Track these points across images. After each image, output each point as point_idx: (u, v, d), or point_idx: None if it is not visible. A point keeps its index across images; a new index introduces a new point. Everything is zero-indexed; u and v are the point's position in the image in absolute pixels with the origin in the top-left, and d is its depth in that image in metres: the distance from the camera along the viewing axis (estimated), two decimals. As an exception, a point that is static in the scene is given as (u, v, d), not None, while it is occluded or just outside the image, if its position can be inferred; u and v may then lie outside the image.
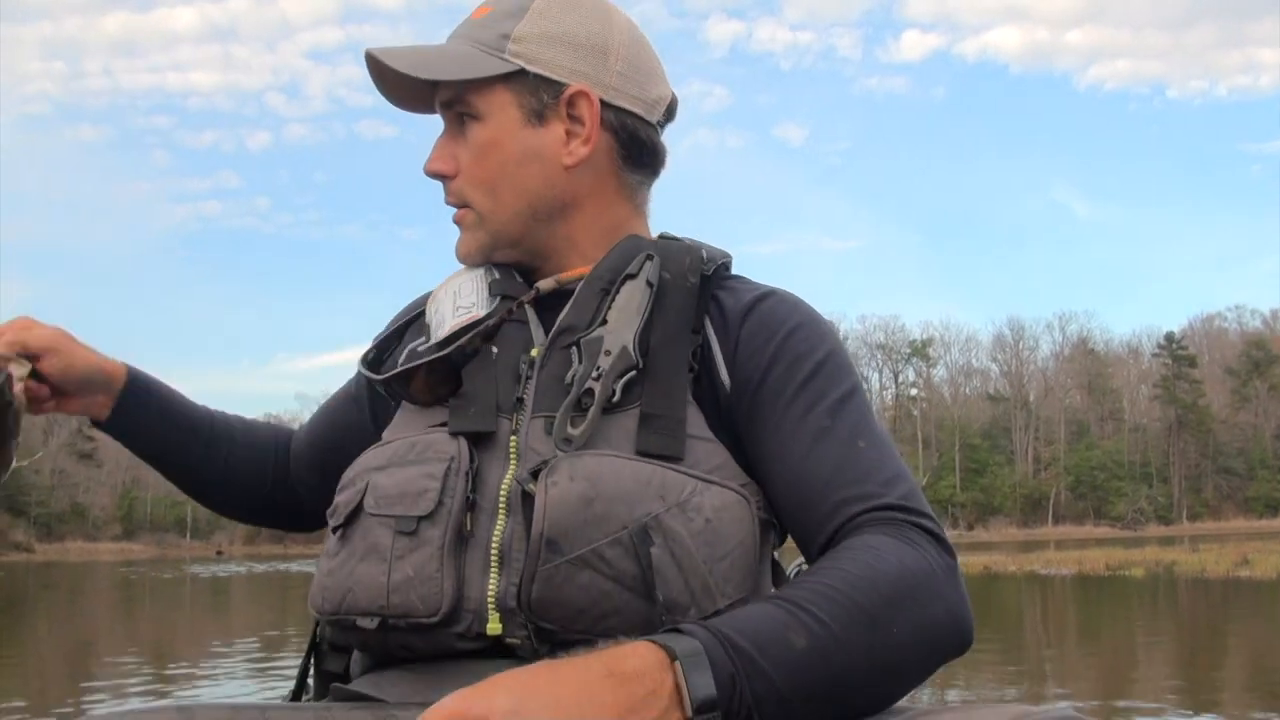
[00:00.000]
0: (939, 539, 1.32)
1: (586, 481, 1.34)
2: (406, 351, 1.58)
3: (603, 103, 1.54)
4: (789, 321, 1.50)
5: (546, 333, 1.49)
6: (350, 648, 1.51)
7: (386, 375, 1.51)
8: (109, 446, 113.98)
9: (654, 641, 1.12)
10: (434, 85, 1.56)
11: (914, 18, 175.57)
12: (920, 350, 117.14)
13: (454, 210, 1.60)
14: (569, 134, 1.55)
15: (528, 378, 1.47)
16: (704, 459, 1.40)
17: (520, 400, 1.45)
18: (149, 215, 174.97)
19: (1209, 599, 23.18)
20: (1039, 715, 1.07)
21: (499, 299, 1.54)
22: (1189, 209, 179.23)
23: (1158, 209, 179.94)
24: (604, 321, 1.46)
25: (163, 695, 11.56)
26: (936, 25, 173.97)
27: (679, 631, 1.14)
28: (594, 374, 1.41)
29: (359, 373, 1.67)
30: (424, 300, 1.68)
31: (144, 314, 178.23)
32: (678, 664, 1.09)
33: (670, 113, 1.64)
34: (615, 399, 1.41)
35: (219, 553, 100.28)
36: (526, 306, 1.53)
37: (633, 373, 1.42)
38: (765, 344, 1.48)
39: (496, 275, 1.58)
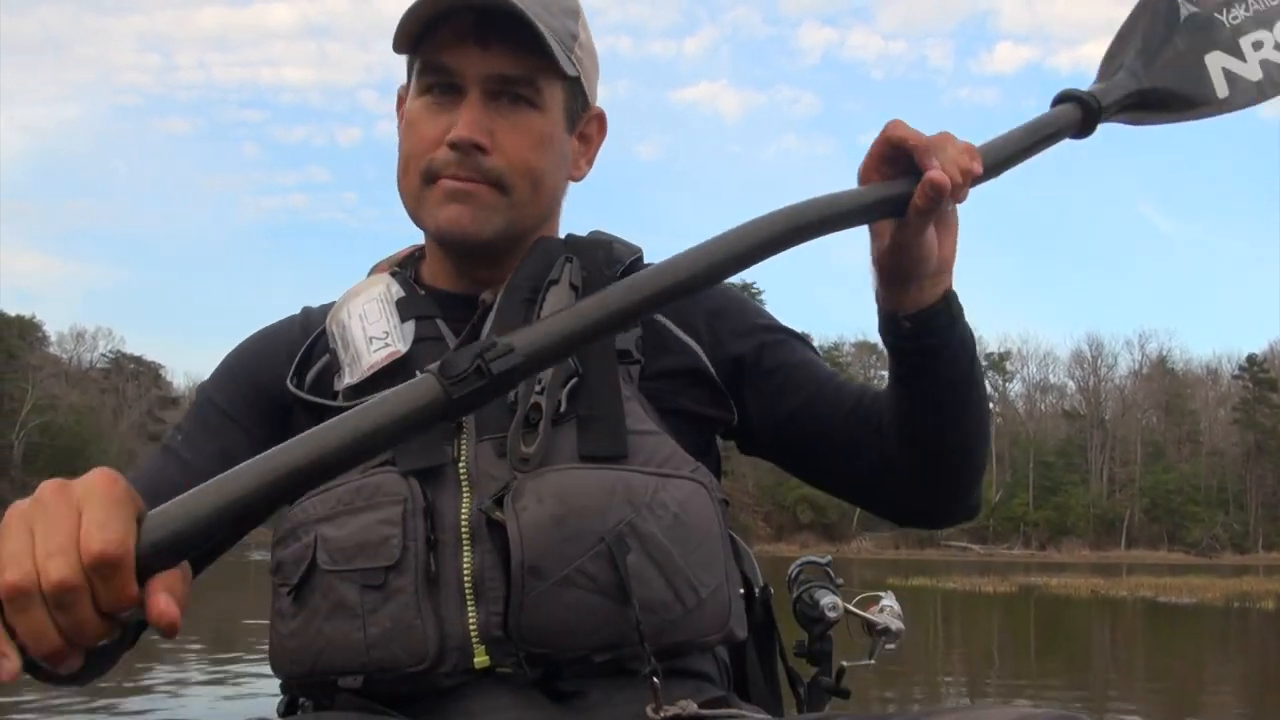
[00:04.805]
0: None
1: (555, 500, 1.36)
2: (315, 378, 1.58)
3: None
4: (739, 294, 1.68)
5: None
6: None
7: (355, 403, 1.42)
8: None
9: None
10: (509, 49, 1.49)
11: (1008, 29, 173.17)
12: (997, 364, 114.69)
13: (456, 180, 1.50)
14: (576, 150, 1.61)
15: None
16: (653, 453, 1.44)
17: (460, 425, 1.45)
18: (236, 206, 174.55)
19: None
20: (1041, 716, 1.10)
21: (412, 321, 1.52)
22: (1275, 229, 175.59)
23: (1244, 228, 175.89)
24: None
25: (219, 680, 11.82)
26: (1030, 37, 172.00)
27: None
28: (536, 388, 1.42)
29: (222, 398, 1.62)
30: (313, 316, 1.64)
31: (227, 301, 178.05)
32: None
33: None
34: (561, 410, 1.43)
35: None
36: (439, 321, 1.53)
37: (575, 380, 1.45)
38: (740, 315, 1.63)
39: (402, 293, 1.53)
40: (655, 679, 1.33)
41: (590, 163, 1.63)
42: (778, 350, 1.61)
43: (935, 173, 1.23)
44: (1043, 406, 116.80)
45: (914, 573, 45.85)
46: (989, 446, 1.56)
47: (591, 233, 1.67)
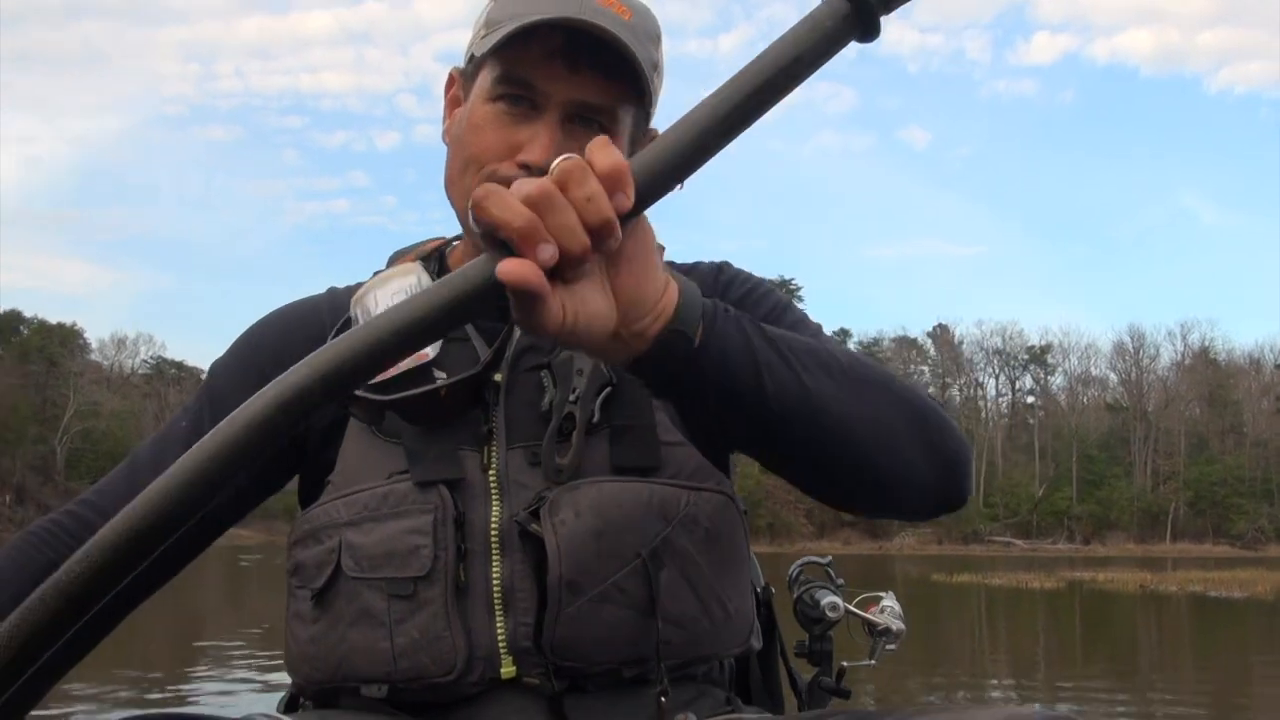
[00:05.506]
0: (940, 404, 1.36)
1: (592, 514, 1.34)
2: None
3: None
4: (754, 278, 1.59)
5: (488, 344, 1.44)
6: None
7: (400, 396, 1.35)
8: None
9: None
10: (598, 75, 1.42)
11: (1045, 19, 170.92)
12: (1038, 357, 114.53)
13: None
14: None
15: (493, 404, 1.43)
16: (682, 464, 1.41)
17: (490, 431, 1.42)
18: (278, 212, 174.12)
19: None
20: (1031, 715, 1.08)
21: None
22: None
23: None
24: None
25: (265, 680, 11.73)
26: (1068, 26, 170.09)
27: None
28: (570, 397, 1.39)
29: (240, 376, 1.55)
30: (340, 298, 1.60)
31: (269, 307, 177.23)
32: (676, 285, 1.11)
33: None
34: (595, 420, 1.40)
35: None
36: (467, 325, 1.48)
37: (609, 389, 1.41)
38: (748, 298, 1.54)
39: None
40: (663, 699, 1.34)
41: None
42: None
43: (506, 266, 0.91)
44: (1085, 399, 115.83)
45: (958, 569, 45.59)
46: (913, 431, 1.28)
47: None
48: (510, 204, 0.92)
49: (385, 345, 0.89)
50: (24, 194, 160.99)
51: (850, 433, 1.22)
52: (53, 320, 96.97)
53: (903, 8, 1.00)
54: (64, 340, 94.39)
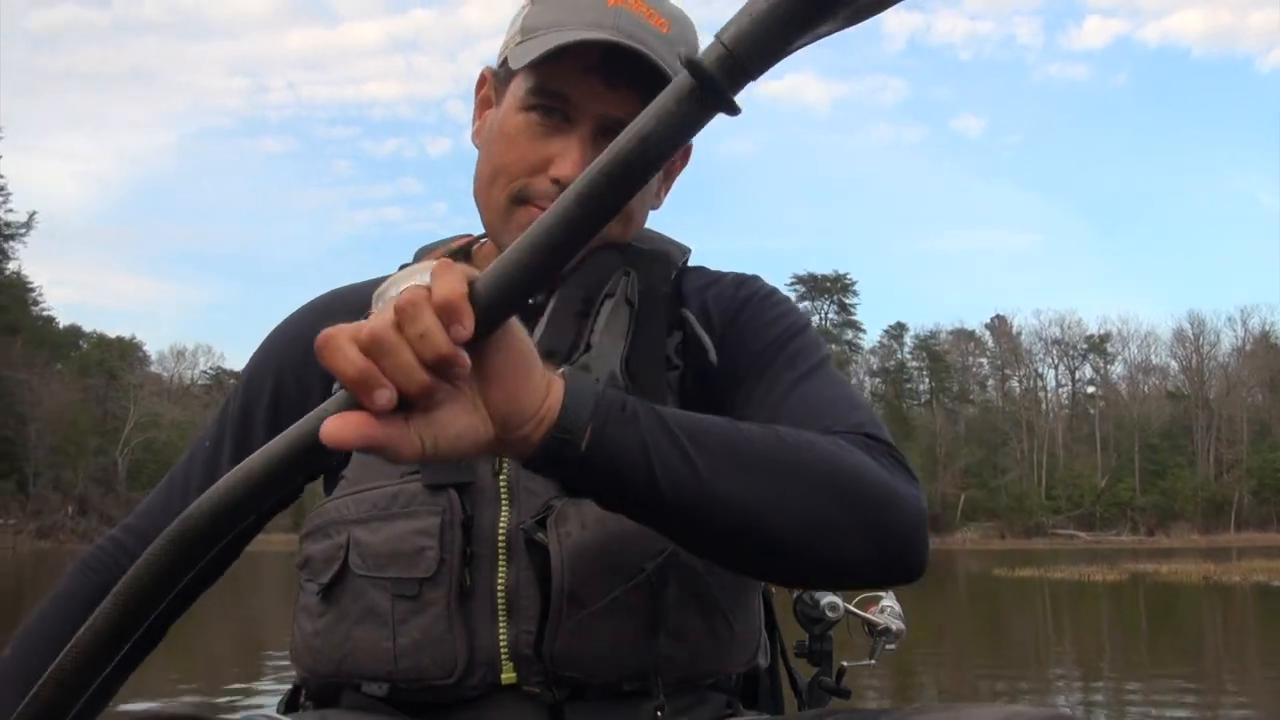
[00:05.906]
0: (904, 466, 1.31)
1: (598, 526, 1.33)
2: None
3: None
4: (774, 297, 1.57)
5: None
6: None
7: None
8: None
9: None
10: (634, 92, 1.42)
11: (1095, 3, 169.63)
12: (1098, 346, 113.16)
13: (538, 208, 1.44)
14: (658, 180, 1.57)
15: None
16: None
17: None
18: (331, 221, 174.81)
19: None
20: (1030, 715, 1.08)
21: None
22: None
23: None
24: (588, 346, 1.41)
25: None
26: (1119, 10, 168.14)
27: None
28: None
29: (272, 392, 1.61)
30: (358, 294, 1.61)
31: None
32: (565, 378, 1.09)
33: None
34: None
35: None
36: None
37: None
38: (759, 318, 1.52)
39: None
40: (660, 713, 1.35)
41: (668, 191, 1.60)
42: (746, 382, 1.46)
43: (328, 429, 0.90)
44: (1145, 388, 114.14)
45: (1020, 563, 45.15)
46: (846, 514, 1.22)
47: (641, 232, 1.60)
48: (345, 353, 0.91)
49: (236, 501, 0.89)
50: (79, 210, 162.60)
51: (761, 522, 1.18)
52: (111, 334, 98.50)
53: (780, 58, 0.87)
54: (123, 353, 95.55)
